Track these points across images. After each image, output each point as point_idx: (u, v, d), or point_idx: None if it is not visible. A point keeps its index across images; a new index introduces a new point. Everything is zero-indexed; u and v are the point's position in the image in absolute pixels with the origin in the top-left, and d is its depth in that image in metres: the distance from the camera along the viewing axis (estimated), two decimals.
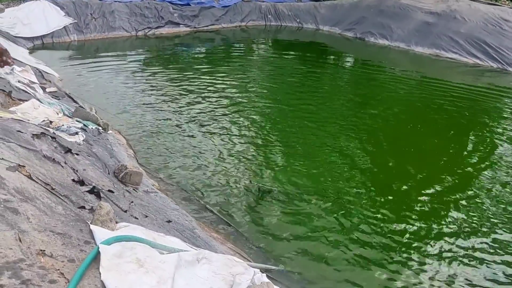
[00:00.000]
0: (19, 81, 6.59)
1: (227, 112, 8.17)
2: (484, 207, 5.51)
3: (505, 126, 8.58)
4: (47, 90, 6.94)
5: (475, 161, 6.98)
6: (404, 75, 12.11)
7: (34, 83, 7.16)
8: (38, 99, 5.62)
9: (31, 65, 8.61)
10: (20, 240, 2.14)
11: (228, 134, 7.20)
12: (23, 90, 5.96)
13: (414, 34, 14.85)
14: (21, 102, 5.23)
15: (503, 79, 12.06)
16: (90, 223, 2.58)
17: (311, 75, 11.34)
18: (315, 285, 3.86)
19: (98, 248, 2.15)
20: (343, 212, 5.10)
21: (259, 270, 2.77)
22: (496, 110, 9.77)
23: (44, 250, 2.10)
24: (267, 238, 4.37)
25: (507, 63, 12.72)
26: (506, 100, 10.48)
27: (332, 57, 14.97)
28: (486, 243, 4.75)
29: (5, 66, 2.81)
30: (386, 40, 15.34)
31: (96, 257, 2.10)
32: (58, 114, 5.24)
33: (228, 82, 10.23)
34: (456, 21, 14.35)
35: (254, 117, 8.16)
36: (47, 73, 8.73)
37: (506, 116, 9.32)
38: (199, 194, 5.09)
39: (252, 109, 8.54)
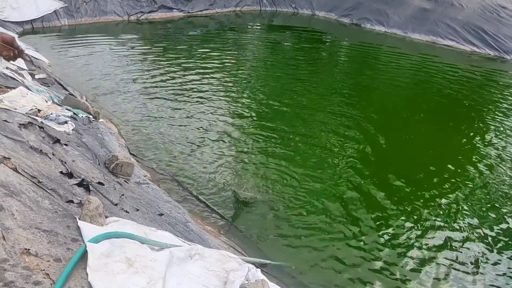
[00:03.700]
0: (7, 68, 6.40)
1: (221, 97, 8.09)
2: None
3: None
4: (36, 76, 6.76)
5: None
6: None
7: (23, 69, 6.97)
8: (26, 87, 5.45)
9: None
10: (4, 239, 2.04)
11: (226, 116, 7.34)
12: (11, 77, 5.79)
13: (410, 21, 14.67)
14: (8, 89, 5.06)
15: (500, 67, 11.97)
16: (78, 219, 2.49)
17: (299, 67, 11.13)
18: (308, 278, 3.81)
19: (86, 246, 2.06)
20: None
21: (253, 265, 2.70)
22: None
23: (29, 249, 2.00)
24: (261, 231, 4.30)
25: (504, 51, 12.62)
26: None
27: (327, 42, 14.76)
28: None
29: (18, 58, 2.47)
30: (382, 26, 15.15)
31: (84, 256, 2.02)
32: (46, 102, 5.09)
33: (221, 69, 10.08)
34: (454, 8, 14.19)
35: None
36: (37, 58, 8.51)
37: None
38: (192, 185, 4.99)
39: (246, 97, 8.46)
